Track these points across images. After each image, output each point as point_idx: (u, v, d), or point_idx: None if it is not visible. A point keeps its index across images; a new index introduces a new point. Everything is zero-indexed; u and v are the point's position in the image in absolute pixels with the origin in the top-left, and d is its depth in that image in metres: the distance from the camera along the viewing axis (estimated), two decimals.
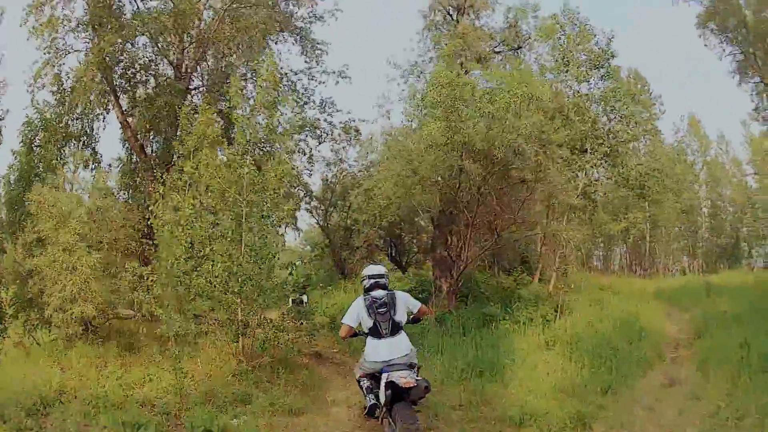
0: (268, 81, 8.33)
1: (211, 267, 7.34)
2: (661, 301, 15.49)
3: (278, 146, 9.05)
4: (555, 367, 8.12)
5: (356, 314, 5.44)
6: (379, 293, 5.45)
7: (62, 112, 13.79)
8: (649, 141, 22.80)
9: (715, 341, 9.15)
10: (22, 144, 13.23)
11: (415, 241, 20.44)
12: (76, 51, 13.48)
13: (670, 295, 16.66)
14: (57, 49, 13.24)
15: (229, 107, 8.14)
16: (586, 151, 15.48)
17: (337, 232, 20.63)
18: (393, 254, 20.99)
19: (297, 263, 8.80)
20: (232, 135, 9.26)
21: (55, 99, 13.83)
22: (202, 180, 7.91)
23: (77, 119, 14.30)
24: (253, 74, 13.84)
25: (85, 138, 14.46)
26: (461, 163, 10.36)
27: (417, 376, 5.13)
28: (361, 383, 5.52)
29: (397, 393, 4.91)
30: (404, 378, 4.89)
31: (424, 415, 6.31)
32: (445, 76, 10.51)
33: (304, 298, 13.58)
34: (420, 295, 12.59)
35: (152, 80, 14.54)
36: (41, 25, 12.62)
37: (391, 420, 5.01)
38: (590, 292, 14.58)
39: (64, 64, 13.60)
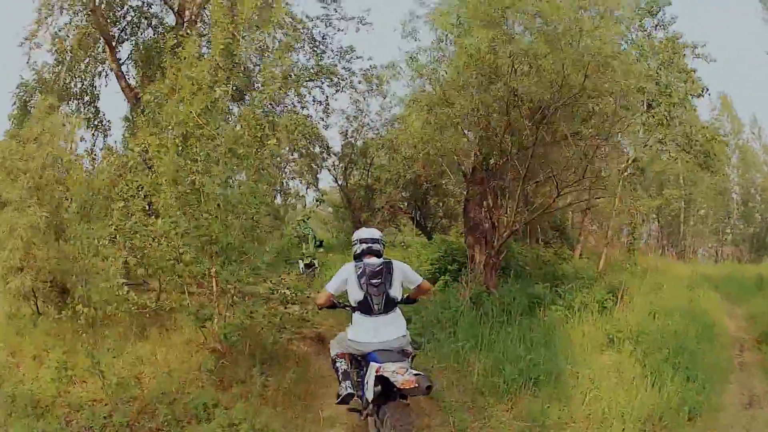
0: None
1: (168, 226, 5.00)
2: (711, 291, 12.81)
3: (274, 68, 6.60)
4: (627, 378, 5.78)
5: (343, 282, 4.31)
6: (373, 261, 4.32)
7: (60, 71, 12.53)
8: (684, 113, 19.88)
9: None
10: (15, 106, 12.05)
11: (441, 204, 18.00)
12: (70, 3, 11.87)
13: (717, 283, 14.07)
14: (51, 5, 11.69)
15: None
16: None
17: (357, 192, 18.16)
18: (418, 218, 18.40)
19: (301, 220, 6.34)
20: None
21: (54, 59, 12.50)
22: (164, 111, 5.54)
23: (77, 77, 13.09)
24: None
25: (88, 96, 13.37)
26: (515, 84, 7.40)
27: (413, 368, 3.95)
28: (337, 365, 4.37)
29: (389, 389, 3.76)
30: (402, 375, 3.68)
31: None
32: None
33: (316, 262, 11.75)
34: (450, 267, 10.24)
35: (144, 23, 12.92)
36: None
37: (378, 419, 3.91)
38: (642, 275, 11.92)
39: (57, 20, 12.14)
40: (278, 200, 17.94)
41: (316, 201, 18.92)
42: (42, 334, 6.16)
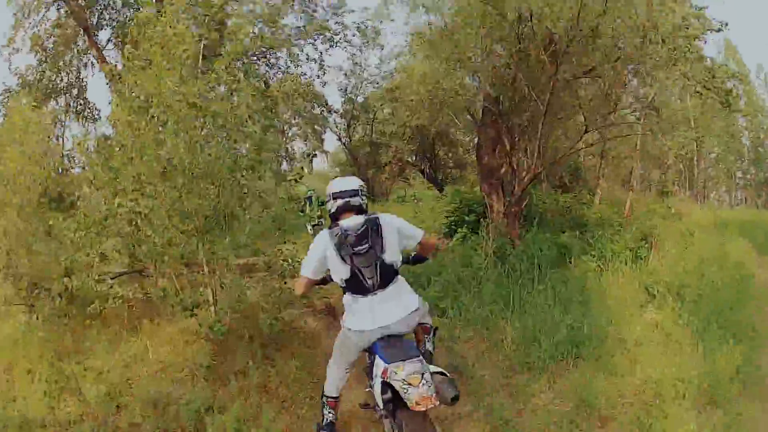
0: None
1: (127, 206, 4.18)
2: (733, 236, 11.68)
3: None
4: (673, 341, 5.02)
5: (320, 258, 3.16)
6: (353, 221, 3.14)
7: (44, 69, 12.61)
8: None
9: None
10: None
11: (450, 155, 16.98)
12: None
13: (739, 228, 12.90)
14: (29, 9, 11.65)
15: None
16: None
17: (362, 149, 17.23)
18: (428, 170, 17.36)
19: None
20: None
21: (37, 59, 12.52)
22: (129, 81, 4.66)
23: (62, 72, 13.12)
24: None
25: (77, 90, 13.47)
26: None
27: (431, 363, 3.10)
28: (324, 412, 3.41)
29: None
30: (417, 387, 2.73)
31: None
32: None
33: (322, 220, 11.24)
34: (467, 218, 9.00)
35: (119, 3, 12.47)
36: None
37: (395, 423, 2.93)
38: (677, 219, 10.91)
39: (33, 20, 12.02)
40: (284, 166, 17.33)
41: (307, 156, 18.24)
42: (38, 344, 5.41)
